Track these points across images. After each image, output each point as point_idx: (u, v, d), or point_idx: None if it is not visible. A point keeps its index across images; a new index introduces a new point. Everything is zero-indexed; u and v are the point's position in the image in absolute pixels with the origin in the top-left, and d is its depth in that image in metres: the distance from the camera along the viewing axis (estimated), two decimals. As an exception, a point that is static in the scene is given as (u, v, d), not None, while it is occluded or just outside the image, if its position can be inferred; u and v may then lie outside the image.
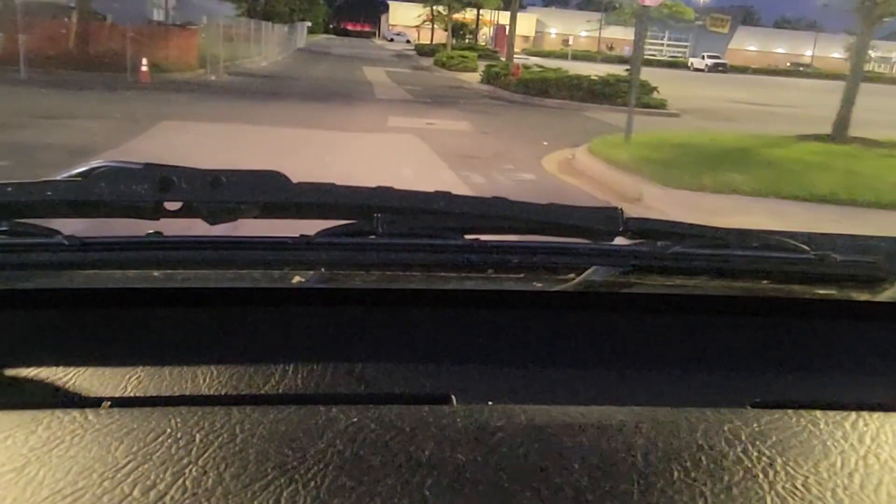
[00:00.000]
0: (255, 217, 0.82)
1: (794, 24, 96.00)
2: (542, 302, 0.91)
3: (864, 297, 0.92)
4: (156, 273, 0.85)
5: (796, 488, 0.56)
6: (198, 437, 0.59)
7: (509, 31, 28.17)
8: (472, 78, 26.98)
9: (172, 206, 0.80)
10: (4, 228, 0.80)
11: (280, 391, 0.73)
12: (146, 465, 0.55)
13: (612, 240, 0.88)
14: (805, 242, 0.90)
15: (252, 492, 0.53)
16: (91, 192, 0.78)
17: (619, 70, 20.84)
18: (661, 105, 18.24)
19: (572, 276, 0.89)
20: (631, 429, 0.64)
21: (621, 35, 73.01)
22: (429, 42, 52.31)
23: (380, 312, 0.87)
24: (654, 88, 18.40)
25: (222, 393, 0.72)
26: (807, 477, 0.58)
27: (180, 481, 0.53)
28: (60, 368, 0.74)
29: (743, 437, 0.63)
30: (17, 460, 0.55)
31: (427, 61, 38.16)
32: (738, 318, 0.91)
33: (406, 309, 0.88)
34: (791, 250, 0.90)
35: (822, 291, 0.92)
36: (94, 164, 0.80)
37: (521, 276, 0.90)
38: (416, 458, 0.58)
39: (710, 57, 61.05)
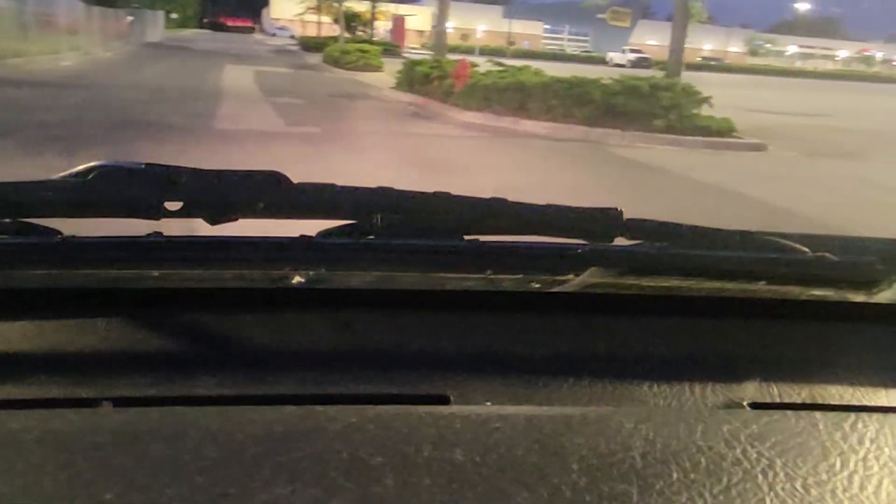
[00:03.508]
0: (255, 217, 0.82)
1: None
2: (540, 302, 0.89)
3: (861, 298, 0.89)
4: (155, 273, 0.81)
5: (795, 489, 0.57)
6: (196, 436, 0.59)
7: (439, 18, 19.97)
8: (380, 80, 18.95)
9: (172, 205, 0.80)
10: (4, 228, 0.81)
11: (278, 391, 0.72)
12: (145, 465, 0.55)
13: (611, 240, 0.88)
14: (802, 243, 0.91)
15: (250, 492, 0.53)
16: (91, 191, 0.79)
17: (577, 69, 13.35)
18: (728, 130, 10.67)
19: (571, 276, 0.86)
20: (629, 429, 0.64)
21: (519, 29, 69.48)
22: (316, 35, 43.73)
23: (379, 313, 0.85)
24: (707, 99, 10.81)
25: (221, 393, 0.71)
26: (806, 478, 0.58)
27: (179, 481, 0.53)
28: (60, 368, 0.73)
29: (742, 438, 0.63)
30: (16, 460, 0.55)
31: (315, 58, 29.62)
32: (737, 318, 0.90)
33: (405, 309, 0.86)
34: (788, 251, 0.91)
35: (819, 292, 0.90)
36: (94, 163, 0.80)
37: (520, 276, 0.87)
38: (414, 458, 0.58)
39: (632, 51, 55.69)
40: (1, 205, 0.80)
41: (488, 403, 0.72)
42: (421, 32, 58.68)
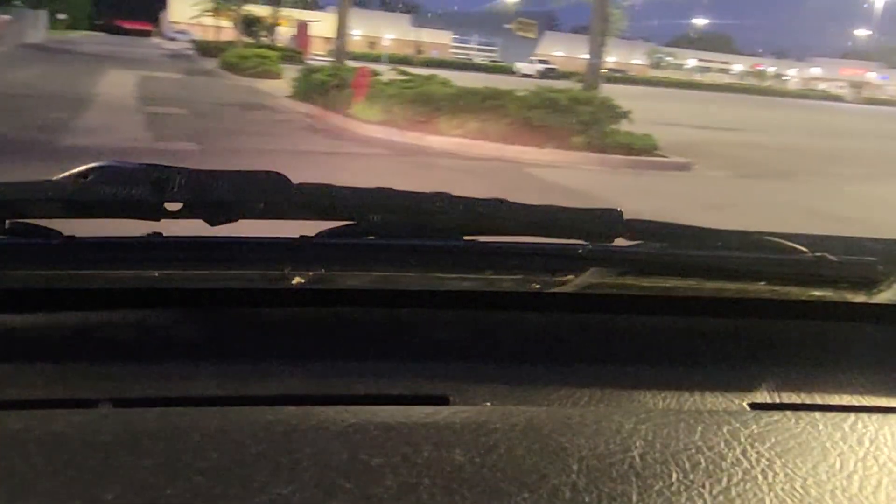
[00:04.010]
0: (254, 217, 0.83)
1: (587, 30, 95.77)
2: (540, 303, 0.89)
3: (860, 298, 0.89)
4: (155, 273, 0.81)
5: (795, 490, 0.57)
6: (196, 436, 0.59)
7: (340, 22, 18.63)
8: (278, 88, 17.51)
9: (172, 206, 0.80)
10: (4, 228, 0.80)
11: (278, 391, 0.72)
12: (145, 465, 0.55)
13: (611, 241, 0.88)
14: (802, 244, 0.90)
15: (249, 492, 0.53)
16: (91, 192, 0.79)
17: (486, 79, 12.44)
18: (651, 147, 9.86)
19: (570, 277, 0.86)
20: (629, 430, 0.64)
21: (427, 38, 69.10)
22: (215, 39, 41.53)
23: (378, 313, 0.86)
24: (626, 114, 10.00)
25: (221, 393, 0.71)
26: (805, 479, 0.58)
27: (178, 481, 0.53)
28: (60, 368, 0.73)
29: (741, 439, 0.63)
30: (17, 460, 0.55)
31: (211, 63, 27.71)
32: (736, 319, 0.90)
33: (404, 309, 0.86)
34: (788, 251, 0.90)
35: (819, 292, 0.90)
36: (94, 164, 0.80)
37: (520, 277, 0.87)
38: (413, 458, 0.58)
39: (539, 61, 55.84)
40: (1, 205, 0.80)
41: (488, 404, 0.72)
42: (328, 39, 57.27)
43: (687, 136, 13.30)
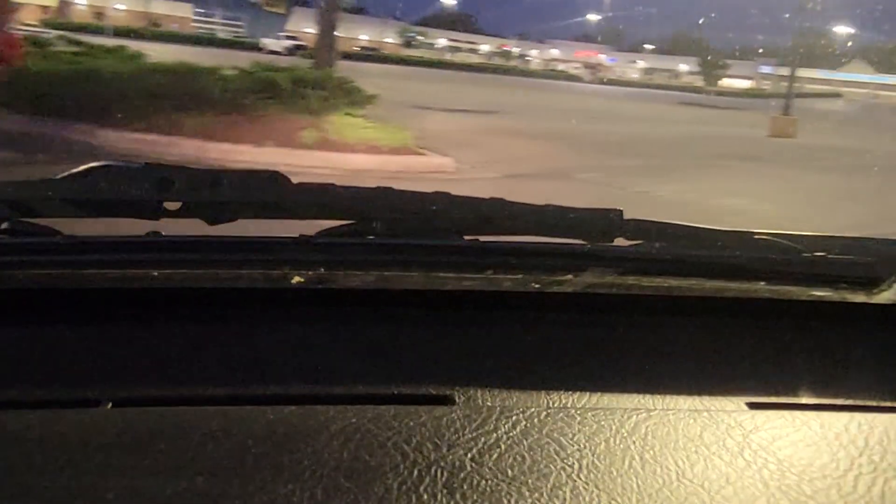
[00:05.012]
0: (254, 217, 0.83)
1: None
2: (540, 303, 0.88)
3: (859, 298, 0.90)
4: (155, 273, 0.81)
5: (792, 488, 0.57)
6: (196, 437, 0.59)
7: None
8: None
9: (172, 205, 0.81)
10: (4, 228, 0.81)
11: (278, 391, 0.72)
12: (146, 465, 0.55)
13: (611, 241, 0.89)
14: (801, 244, 0.91)
15: (249, 492, 0.53)
16: (91, 191, 0.79)
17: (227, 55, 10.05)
18: (401, 144, 7.73)
19: (570, 276, 0.86)
20: (629, 429, 0.64)
21: (165, 11, 63.19)
22: None
23: (378, 313, 0.85)
24: (371, 98, 7.82)
25: (221, 393, 0.71)
26: (803, 477, 0.59)
27: (178, 481, 0.53)
28: (60, 368, 0.73)
29: (740, 438, 0.63)
30: (18, 460, 0.55)
31: None
32: (735, 319, 0.89)
33: (404, 309, 0.85)
34: (788, 251, 0.91)
35: (818, 293, 0.90)
36: (94, 163, 0.80)
37: (520, 276, 0.87)
38: (414, 458, 0.58)
39: (288, 37, 52.48)
40: (1, 205, 0.80)
41: (488, 403, 0.72)
42: (46, 8, 49.67)
43: (444, 123, 11.50)
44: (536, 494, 0.54)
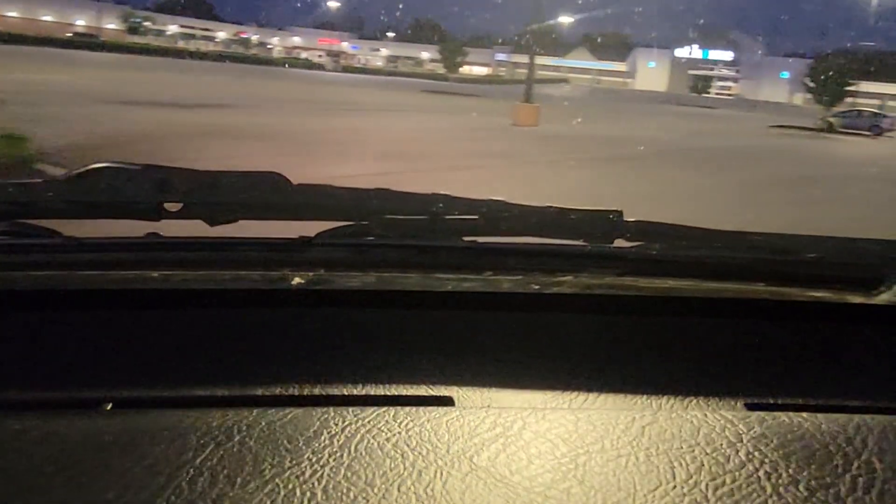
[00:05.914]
0: (254, 218, 0.83)
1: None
2: (539, 303, 0.88)
3: (859, 299, 0.89)
4: (154, 273, 0.81)
5: (798, 490, 0.57)
6: (195, 437, 0.59)
7: None
8: None
9: (172, 206, 0.80)
10: (4, 228, 0.81)
11: (277, 392, 0.72)
12: (145, 466, 0.55)
13: (610, 242, 0.88)
14: (802, 244, 0.90)
15: (249, 493, 0.53)
16: (91, 192, 0.79)
17: None
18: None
19: (570, 277, 0.86)
20: (629, 431, 0.64)
21: None
22: None
23: (378, 314, 0.85)
24: None
25: (220, 393, 0.71)
26: (807, 480, 0.58)
27: (177, 482, 0.53)
28: (60, 368, 0.73)
29: (742, 439, 0.63)
30: (18, 461, 0.55)
31: None
32: (735, 320, 0.89)
33: (404, 310, 0.86)
34: (787, 252, 0.90)
35: (819, 293, 0.89)
36: (94, 164, 0.79)
37: (519, 277, 0.87)
38: (414, 458, 0.58)
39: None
40: (1, 205, 0.80)
41: (488, 404, 0.71)
42: None
43: (136, 123, 9.31)
44: (535, 494, 0.54)
